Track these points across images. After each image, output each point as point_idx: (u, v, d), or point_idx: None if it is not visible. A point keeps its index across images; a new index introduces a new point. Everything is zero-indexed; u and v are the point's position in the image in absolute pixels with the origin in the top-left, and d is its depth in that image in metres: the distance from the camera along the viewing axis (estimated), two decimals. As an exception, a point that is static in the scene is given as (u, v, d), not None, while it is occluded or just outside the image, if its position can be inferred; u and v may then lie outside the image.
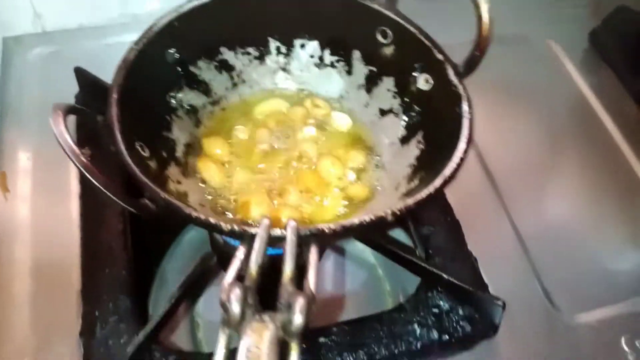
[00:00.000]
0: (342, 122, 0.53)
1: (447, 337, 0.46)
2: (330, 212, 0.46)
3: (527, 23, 0.75)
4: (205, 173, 0.47)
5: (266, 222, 0.34)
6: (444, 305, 0.48)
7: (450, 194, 0.55)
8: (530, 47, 0.73)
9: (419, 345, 0.46)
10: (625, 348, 0.49)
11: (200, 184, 0.47)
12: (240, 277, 0.32)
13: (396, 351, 0.46)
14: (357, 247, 0.64)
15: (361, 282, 0.62)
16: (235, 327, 0.30)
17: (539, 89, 0.69)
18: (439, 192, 0.38)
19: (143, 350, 0.43)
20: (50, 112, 0.36)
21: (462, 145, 0.40)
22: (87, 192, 0.52)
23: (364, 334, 0.46)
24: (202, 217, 0.35)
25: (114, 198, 0.35)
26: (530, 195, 0.58)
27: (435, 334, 0.46)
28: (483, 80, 0.65)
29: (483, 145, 0.61)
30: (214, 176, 0.47)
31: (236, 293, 0.30)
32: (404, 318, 0.47)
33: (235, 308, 0.30)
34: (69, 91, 0.58)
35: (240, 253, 0.34)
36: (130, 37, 0.45)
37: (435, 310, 0.48)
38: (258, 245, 0.33)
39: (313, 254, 0.35)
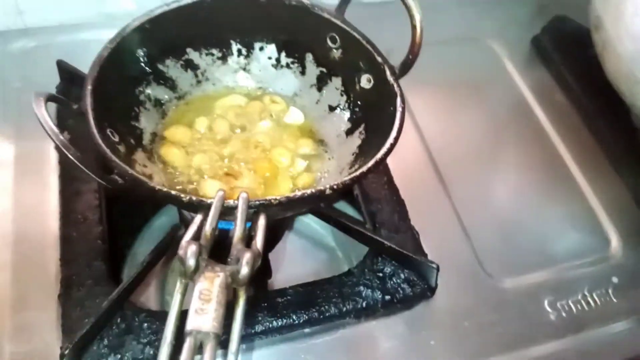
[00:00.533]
0: (296, 117, 0.58)
1: (389, 297, 0.52)
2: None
3: (475, 27, 0.82)
4: (168, 157, 0.52)
5: (221, 193, 0.40)
6: (388, 270, 0.54)
7: (397, 177, 0.61)
8: (477, 48, 0.80)
9: (364, 305, 0.51)
10: (548, 308, 0.55)
11: (164, 169, 0.52)
12: (196, 239, 0.37)
13: (344, 309, 0.51)
14: (319, 232, 0.70)
15: (322, 263, 0.67)
16: (190, 277, 0.35)
17: (483, 87, 0.76)
18: (371, 171, 0.44)
19: (116, 307, 0.48)
20: (33, 98, 0.41)
21: (393, 132, 0.46)
22: (66, 172, 0.57)
23: (316, 294, 0.51)
24: (164, 189, 0.41)
25: (87, 171, 0.40)
26: (469, 178, 0.64)
27: (379, 295, 0.52)
28: (432, 76, 0.73)
29: (429, 135, 0.67)
30: (175, 159, 0.52)
31: (192, 249, 0.35)
32: (352, 281, 0.53)
33: (191, 261, 0.35)
34: (49, 83, 0.62)
35: (197, 219, 0.39)
36: (106, 34, 0.50)
37: (380, 274, 0.53)
38: (213, 212, 0.39)
39: (261, 220, 0.40)
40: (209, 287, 0.35)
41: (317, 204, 0.54)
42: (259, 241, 0.39)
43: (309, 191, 0.42)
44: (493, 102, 0.74)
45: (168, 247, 0.54)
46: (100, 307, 0.47)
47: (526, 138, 0.71)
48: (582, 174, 0.68)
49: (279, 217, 0.53)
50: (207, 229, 0.38)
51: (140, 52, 0.53)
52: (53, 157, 0.59)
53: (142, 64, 0.54)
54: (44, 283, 0.51)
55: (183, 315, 0.34)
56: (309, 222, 0.69)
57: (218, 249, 0.38)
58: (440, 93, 0.74)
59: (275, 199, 0.41)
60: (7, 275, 0.51)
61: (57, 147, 0.40)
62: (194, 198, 0.40)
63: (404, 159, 0.64)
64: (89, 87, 0.45)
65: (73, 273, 0.50)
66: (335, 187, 0.42)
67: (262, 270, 0.58)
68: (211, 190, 0.50)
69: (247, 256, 0.36)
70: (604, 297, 0.57)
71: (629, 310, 0.56)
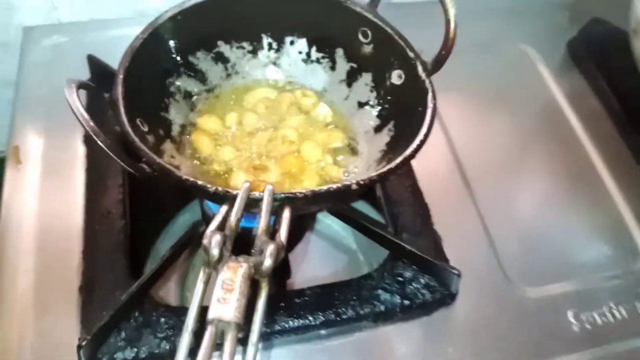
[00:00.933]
0: (325, 111, 0.58)
1: (408, 302, 0.51)
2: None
3: (509, 32, 0.81)
4: (198, 143, 0.52)
5: (247, 185, 0.40)
6: (407, 274, 0.53)
7: (422, 180, 0.61)
8: (511, 54, 0.78)
9: (382, 308, 0.51)
10: (572, 320, 0.54)
11: (192, 161, 0.52)
12: (221, 229, 0.37)
13: (362, 312, 0.50)
14: (340, 233, 0.70)
15: (342, 265, 0.67)
16: (214, 266, 0.35)
17: (515, 92, 0.74)
18: (399, 168, 0.43)
19: (135, 301, 0.48)
20: (65, 84, 0.42)
21: (423, 129, 0.45)
22: (92, 166, 0.58)
23: (334, 296, 0.51)
24: (191, 179, 0.41)
25: (116, 158, 0.41)
26: (495, 185, 0.63)
27: (397, 299, 0.51)
28: (463, 81, 0.72)
29: (456, 139, 0.66)
30: (204, 147, 0.52)
31: (216, 238, 0.35)
32: (370, 284, 0.52)
33: (215, 251, 0.35)
34: (80, 77, 0.63)
35: (222, 210, 0.40)
36: (136, 31, 0.51)
37: (399, 278, 0.53)
38: (238, 202, 0.39)
39: (286, 212, 0.40)
40: (232, 277, 0.34)
41: (343, 199, 0.53)
42: (283, 234, 0.39)
43: (335, 186, 0.42)
44: (525, 108, 0.73)
45: (189, 243, 0.55)
46: (119, 300, 0.47)
47: (557, 144, 0.69)
48: (614, 182, 0.66)
49: (304, 211, 0.52)
50: (232, 219, 0.38)
51: (172, 44, 0.53)
52: (81, 151, 0.60)
53: (173, 56, 0.54)
54: (66, 275, 0.52)
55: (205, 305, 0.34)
56: (331, 224, 0.69)
57: (242, 245, 0.38)
58: (471, 98, 0.73)
59: (301, 192, 0.41)
60: (31, 264, 0.52)
61: (86, 135, 0.41)
62: (220, 189, 0.40)
63: (430, 163, 0.63)
64: (120, 77, 0.46)
65: (94, 266, 0.51)
66: (362, 182, 0.42)
67: (282, 270, 0.58)
68: (237, 183, 0.51)
69: (271, 248, 0.36)
70: (631, 310, 0.55)
71: (657, 326, 0.54)
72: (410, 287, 0.52)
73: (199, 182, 0.41)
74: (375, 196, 0.60)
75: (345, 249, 0.69)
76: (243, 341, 0.34)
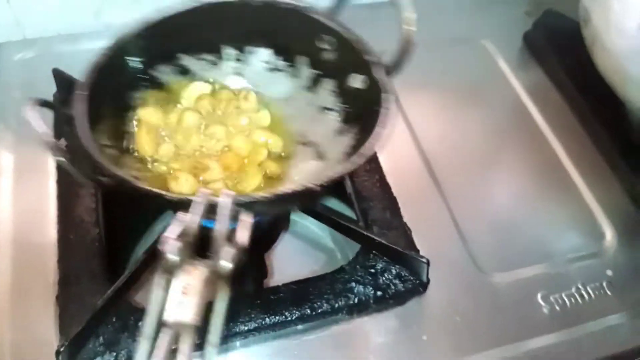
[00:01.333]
0: (264, 117, 0.59)
1: (381, 293, 0.53)
2: (249, 186, 0.52)
3: (468, 27, 0.83)
4: (138, 140, 0.53)
5: (205, 191, 0.40)
6: (379, 266, 0.54)
7: (390, 175, 0.62)
8: (471, 49, 0.80)
9: (356, 300, 0.52)
10: (541, 302, 0.55)
11: (143, 165, 0.52)
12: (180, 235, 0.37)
13: (336, 305, 0.52)
14: (317, 233, 0.71)
15: (320, 264, 0.68)
16: (172, 271, 0.36)
17: (477, 86, 0.76)
18: (356, 167, 0.45)
19: (111, 306, 0.49)
20: (25, 103, 0.42)
21: (383, 129, 0.47)
22: (63, 177, 0.58)
23: (308, 291, 0.52)
24: (148, 188, 0.41)
25: (75, 170, 0.41)
26: (461, 176, 0.65)
27: (370, 291, 0.53)
28: (426, 76, 0.74)
29: (421, 134, 0.68)
30: (145, 145, 0.52)
31: (174, 244, 0.36)
32: (344, 277, 0.53)
33: (172, 256, 0.35)
34: (48, 91, 0.64)
35: (181, 216, 0.39)
36: (103, 44, 0.52)
37: (371, 270, 0.54)
38: (196, 209, 0.39)
39: (246, 217, 0.41)
40: (190, 281, 0.35)
41: (305, 201, 0.54)
42: (242, 237, 0.39)
43: (296, 188, 0.42)
44: (487, 100, 0.75)
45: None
46: (96, 305, 0.48)
47: (520, 136, 0.71)
48: (577, 170, 0.68)
49: (266, 214, 0.53)
50: (191, 225, 0.38)
51: (134, 59, 0.54)
52: (51, 163, 0.60)
53: (136, 70, 0.55)
54: (42, 284, 0.52)
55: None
56: (307, 224, 0.70)
57: (204, 246, 0.39)
58: (434, 93, 0.75)
59: (262, 196, 0.41)
60: (7, 277, 0.52)
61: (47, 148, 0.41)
62: (177, 196, 0.41)
63: (397, 158, 0.65)
64: (83, 93, 0.46)
65: (70, 273, 0.52)
66: (323, 183, 0.43)
67: (259, 270, 0.59)
68: (185, 186, 0.50)
69: (229, 251, 0.36)
70: (598, 290, 0.57)
71: (624, 304, 0.56)
72: (383, 278, 0.53)
73: (156, 190, 0.41)
74: (345, 193, 0.62)
75: (323, 247, 0.70)
76: (200, 346, 0.34)
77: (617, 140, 0.69)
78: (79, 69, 0.63)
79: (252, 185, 0.52)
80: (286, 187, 0.43)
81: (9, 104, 0.65)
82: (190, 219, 0.38)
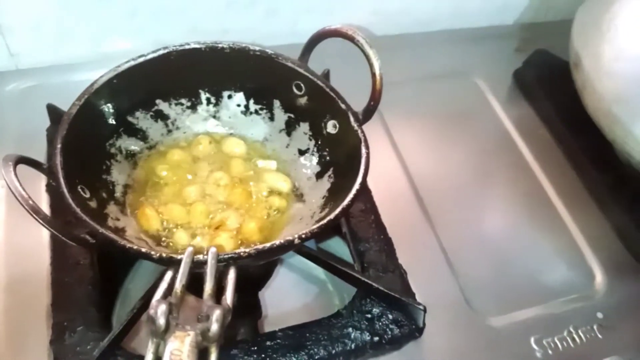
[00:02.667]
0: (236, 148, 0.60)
1: (377, 338, 0.53)
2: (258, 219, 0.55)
3: (459, 62, 0.84)
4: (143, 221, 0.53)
5: (190, 249, 0.41)
6: (376, 311, 0.54)
7: (383, 213, 0.62)
8: (461, 84, 0.82)
9: (353, 346, 0.52)
10: (534, 346, 0.56)
11: (136, 222, 0.53)
12: (167, 296, 0.39)
13: (333, 352, 0.51)
14: (308, 264, 0.71)
15: (313, 295, 0.68)
16: (161, 336, 0.36)
17: (467, 122, 0.77)
18: (339, 218, 0.47)
19: (108, 354, 0.48)
20: (1, 163, 0.42)
21: (359, 179, 0.48)
22: (57, 216, 0.57)
23: (305, 337, 0.52)
24: (135, 247, 0.42)
25: (56, 233, 0.42)
26: (454, 214, 0.66)
27: (367, 336, 0.53)
28: (417, 111, 0.75)
29: (413, 170, 0.69)
30: (152, 224, 0.53)
31: (162, 308, 0.36)
32: (340, 323, 0.53)
33: (161, 320, 0.36)
34: (42, 123, 0.63)
35: (167, 276, 0.41)
36: (98, 75, 0.51)
37: (368, 315, 0.54)
38: (182, 268, 0.40)
39: (231, 274, 0.42)
40: (180, 346, 0.36)
41: (287, 252, 0.55)
42: (229, 296, 0.40)
43: (277, 242, 0.43)
44: (477, 137, 0.76)
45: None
46: (92, 356, 0.47)
47: (511, 173, 0.73)
48: (566, 208, 0.69)
49: (252, 267, 0.54)
50: (178, 286, 0.39)
51: (109, 107, 0.54)
52: (45, 199, 0.60)
53: (112, 118, 0.55)
54: (35, 326, 0.51)
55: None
56: (299, 257, 0.70)
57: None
58: (425, 128, 0.75)
59: (245, 252, 0.42)
60: (1, 319, 0.51)
61: (48, 184, 0.41)
62: (164, 255, 0.42)
63: (390, 195, 0.65)
64: (58, 146, 0.46)
65: (65, 319, 0.51)
66: (303, 236, 0.44)
67: (252, 310, 0.59)
68: (182, 240, 0.52)
69: (217, 313, 0.37)
70: (589, 333, 0.58)
71: (615, 347, 0.57)
72: (379, 323, 0.54)
73: (143, 250, 0.42)
74: (340, 231, 0.62)
75: (315, 280, 0.70)
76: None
77: (605, 178, 0.71)
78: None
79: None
80: (268, 243, 0.44)
81: (2, 136, 0.64)
82: (178, 279, 0.40)
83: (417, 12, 0.85)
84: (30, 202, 0.41)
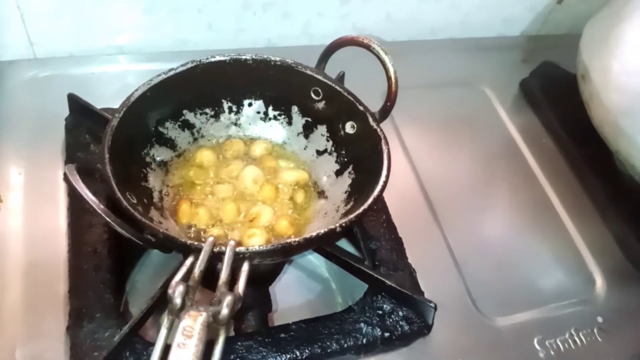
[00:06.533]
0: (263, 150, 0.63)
1: (388, 334, 0.54)
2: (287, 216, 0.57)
3: (467, 71, 0.87)
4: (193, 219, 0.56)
5: (211, 239, 0.44)
6: (387, 307, 0.56)
7: (394, 214, 0.64)
8: (469, 92, 0.84)
9: (364, 341, 0.53)
10: (537, 347, 0.58)
11: (175, 224, 0.55)
12: (186, 279, 0.42)
13: (345, 345, 0.53)
14: (313, 263, 0.72)
15: (316, 293, 0.69)
16: (176, 314, 0.40)
17: (475, 130, 0.79)
18: (372, 207, 0.49)
19: (126, 341, 0.49)
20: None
21: (384, 171, 0.52)
22: (75, 204, 0.58)
23: (318, 331, 0.53)
24: (195, 243, 0.45)
25: (127, 234, 0.45)
26: (462, 216, 0.68)
27: (378, 332, 0.54)
28: (426, 118, 0.77)
29: (423, 173, 0.71)
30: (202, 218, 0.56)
31: (179, 289, 0.40)
32: (352, 318, 0.55)
33: (177, 300, 0.39)
34: (59, 112, 0.64)
35: (188, 262, 0.44)
36: (115, 67, 0.53)
37: (379, 311, 0.55)
38: (202, 256, 0.43)
39: (245, 267, 0.45)
40: (192, 324, 0.38)
41: (304, 250, 0.57)
42: (241, 286, 0.43)
43: (294, 240, 0.46)
44: (484, 144, 0.78)
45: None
46: (111, 340, 0.48)
47: (515, 179, 0.75)
48: (569, 216, 0.71)
49: (271, 261, 0.57)
50: (196, 271, 0.42)
51: (144, 118, 0.57)
52: (62, 186, 0.60)
53: (146, 129, 0.58)
54: (51, 312, 0.52)
55: (168, 348, 0.38)
56: (305, 254, 0.71)
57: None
58: (434, 133, 0.77)
59: (262, 247, 0.45)
60: (17, 309, 0.52)
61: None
62: (187, 242, 0.45)
63: (400, 197, 0.67)
64: (107, 156, 0.48)
65: (82, 305, 0.51)
66: (344, 224, 0.47)
67: (263, 304, 0.60)
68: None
69: (228, 299, 0.40)
70: (590, 336, 0.60)
71: (614, 350, 0.59)
72: (390, 319, 0.55)
73: (189, 242, 0.45)
74: (352, 231, 0.63)
75: (319, 277, 0.71)
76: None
77: (607, 187, 0.73)
78: (89, 92, 0.64)
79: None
80: (289, 240, 0.46)
81: (21, 124, 0.65)
82: (197, 265, 0.42)
83: (427, 20, 0.87)
84: (102, 206, 0.44)
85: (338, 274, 0.70)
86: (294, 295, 0.67)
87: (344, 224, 0.47)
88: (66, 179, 0.59)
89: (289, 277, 0.68)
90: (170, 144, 0.60)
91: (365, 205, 0.48)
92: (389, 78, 0.54)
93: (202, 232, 0.55)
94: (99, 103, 0.64)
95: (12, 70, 0.70)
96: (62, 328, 0.51)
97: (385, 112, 0.56)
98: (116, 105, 0.53)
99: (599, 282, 0.65)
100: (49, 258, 0.55)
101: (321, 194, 0.60)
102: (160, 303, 0.51)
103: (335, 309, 0.64)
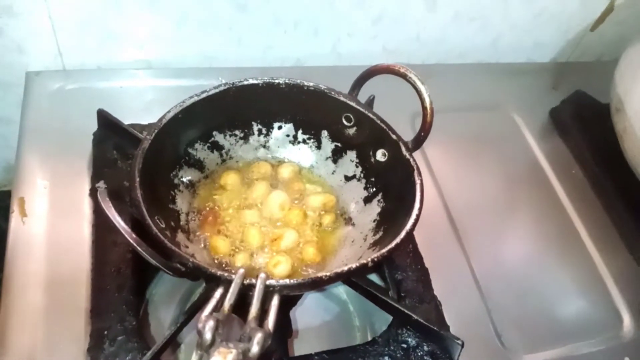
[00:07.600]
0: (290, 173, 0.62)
1: (412, 369, 0.53)
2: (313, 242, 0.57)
3: (496, 95, 0.85)
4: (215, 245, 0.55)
5: (242, 271, 0.43)
6: (412, 341, 0.55)
7: (421, 243, 0.63)
8: (497, 116, 0.83)
9: (389, 375, 0.53)
10: (564, 387, 0.57)
11: (202, 248, 0.55)
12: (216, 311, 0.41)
13: (368, 379, 0.52)
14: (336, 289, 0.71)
15: (335, 317, 0.68)
16: (206, 350, 0.38)
17: (503, 155, 0.78)
18: (404, 242, 0.49)
19: (148, 366, 0.48)
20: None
21: (417, 204, 0.51)
22: (100, 222, 0.58)
23: (341, 362, 0.53)
24: (225, 274, 0.44)
25: (156, 264, 0.44)
26: (488, 244, 0.67)
27: (402, 367, 0.53)
28: (455, 140, 0.75)
29: (449, 198, 0.70)
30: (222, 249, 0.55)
31: (210, 324, 0.38)
32: (377, 350, 0.54)
33: (208, 335, 0.38)
34: (86, 125, 0.63)
35: (217, 294, 0.43)
36: (142, 82, 0.52)
37: (404, 345, 0.54)
38: (232, 288, 0.42)
39: (275, 300, 0.44)
40: None
41: (334, 283, 0.55)
42: (270, 321, 0.42)
43: (325, 274, 0.46)
44: (512, 170, 0.77)
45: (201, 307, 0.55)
46: (134, 367, 0.47)
47: (543, 208, 0.73)
48: (596, 248, 0.70)
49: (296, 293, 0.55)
50: (226, 304, 0.42)
51: (175, 140, 0.56)
52: (87, 202, 0.60)
53: (177, 150, 0.57)
54: (73, 331, 0.51)
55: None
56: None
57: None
58: (461, 158, 0.76)
59: (292, 281, 0.44)
60: (37, 325, 0.51)
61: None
62: (218, 273, 0.44)
63: (427, 224, 0.64)
64: (137, 179, 0.48)
65: (104, 327, 0.51)
66: (353, 268, 0.46)
67: (284, 328, 0.59)
68: (240, 263, 0.54)
69: (258, 336, 0.39)
70: (616, 376, 0.59)
71: (641, 393, 0.58)
72: (415, 354, 0.54)
73: (228, 275, 0.44)
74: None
75: (337, 299, 0.70)
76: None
77: (636, 222, 0.72)
78: (116, 106, 0.64)
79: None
80: (320, 273, 0.46)
81: (45, 135, 0.65)
82: (227, 298, 0.42)
83: (455, 43, 0.86)
84: (134, 235, 0.43)
85: (356, 296, 0.69)
86: (311, 316, 0.65)
87: (375, 259, 0.46)
88: (94, 198, 0.59)
89: (307, 299, 0.68)
90: (198, 165, 0.59)
91: (398, 240, 0.48)
92: (424, 108, 0.53)
93: (227, 257, 0.54)
94: (125, 118, 0.63)
95: (39, 81, 0.70)
96: (82, 348, 0.50)
97: (418, 141, 0.55)
98: (143, 121, 0.53)
99: (626, 319, 0.64)
100: (71, 274, 0.55)
101: (348, 220, 0.59)
102: (183, 327, 0.51)
103: (353, 332, 0.63)
